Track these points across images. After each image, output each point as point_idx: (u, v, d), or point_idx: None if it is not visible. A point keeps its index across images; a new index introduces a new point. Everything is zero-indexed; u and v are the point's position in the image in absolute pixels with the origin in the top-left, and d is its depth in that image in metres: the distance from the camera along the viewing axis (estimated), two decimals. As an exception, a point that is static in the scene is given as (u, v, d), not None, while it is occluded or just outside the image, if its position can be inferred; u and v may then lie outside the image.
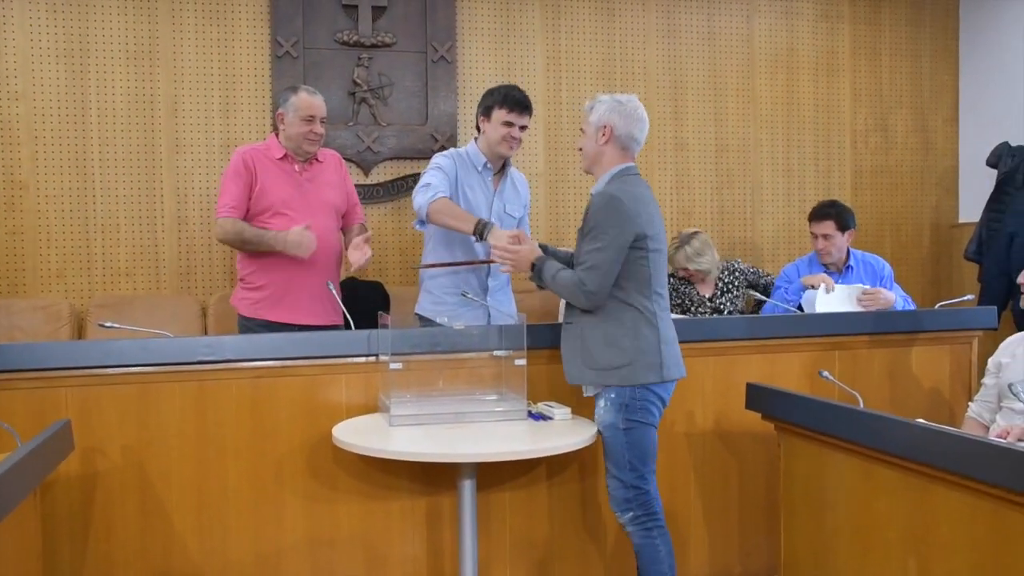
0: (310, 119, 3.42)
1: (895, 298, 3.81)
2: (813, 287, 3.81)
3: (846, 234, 4.03)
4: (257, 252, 3.41)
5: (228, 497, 2.90)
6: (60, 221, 4.33)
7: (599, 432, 2.77)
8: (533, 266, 2.86)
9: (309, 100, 3.43)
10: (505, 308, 3.47)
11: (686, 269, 4.10)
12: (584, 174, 4.75)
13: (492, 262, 3.30)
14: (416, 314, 3.53)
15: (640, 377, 2.71)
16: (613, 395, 2.73)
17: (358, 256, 3.42)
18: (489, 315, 3.44)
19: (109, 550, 2.81)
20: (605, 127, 2.79)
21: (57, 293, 4.31)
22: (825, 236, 4.01)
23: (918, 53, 5.54)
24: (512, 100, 3.36)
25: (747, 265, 4.31)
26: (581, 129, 2.91)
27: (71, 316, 4.18)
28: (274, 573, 2.94)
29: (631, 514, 2.76)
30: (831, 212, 4.03)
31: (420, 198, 3.31)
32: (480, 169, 3.45)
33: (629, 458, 2.74)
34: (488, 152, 3.43)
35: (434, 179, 3.34)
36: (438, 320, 3.38)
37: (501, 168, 3.52)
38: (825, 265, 4.07)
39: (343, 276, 3.81)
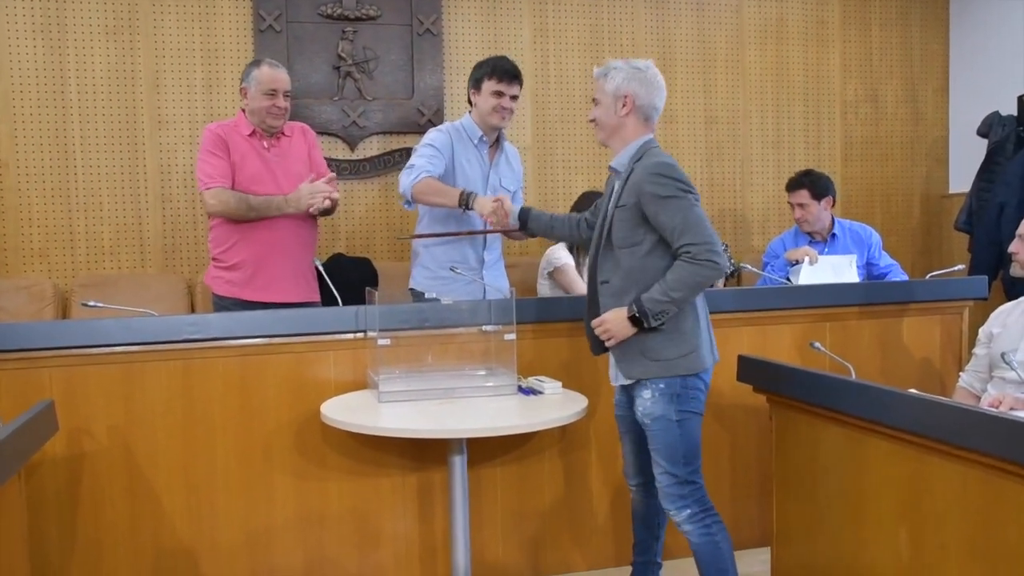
0: (272, 93, 3.35)
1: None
2: (797, 261, 3.80)
3: (822, 202, 4.03)
4: (232, 228, 3.35)
5: (216, 476, 2.88)
6: (41, 199, 4.27)
7: (645, 424, 2.58)
8: (633, 316, 2.50)
9: (271, 73, 3.37)
10: (499, 283, 3.44)
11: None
12: (571, 147, 4.73)
13: (486, 232, 3.35)
14: (410, 289, 3.50)
15: (700, 364, 2.54)
16: (663, 385, 2.52)
17: (319, 201, 3.31)
18: (484, 289, 3.42)
19: (97, 531, 2.80)
20: (626, 97, 2.59)
21: (40, 272, 4.26)
22: (801, 205, 4.04)
23: (908, 23, 5.50)
24: (501, 70, 3.35)
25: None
26: (594, 99, 2.69)
27: (55, 296, 4.13)
28: (264, 552, 2.93)
29: (688, 511, 2.55)
30: (804, 181, 4.05)
31: (404, 180, 3.31)
32: (476, 142, 3.44)
33: (683, 451, 2.54)
34: (482, 124, 3.42)
35: (419, 160, 3.33)
36: (430, 294, 3.35)
37: (496, 141, 3.51)
38: (809, 235, 4.06)
39: (332, 252, 3.80)
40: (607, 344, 2.60)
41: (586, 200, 3.99)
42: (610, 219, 2.59)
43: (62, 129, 4.28)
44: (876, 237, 4.10)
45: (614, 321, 2.54)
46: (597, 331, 2.60)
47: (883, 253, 4.10)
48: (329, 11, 4.50)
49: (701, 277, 2.45)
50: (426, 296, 3.36)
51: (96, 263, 4.35)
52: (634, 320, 2.49)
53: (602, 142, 2.73)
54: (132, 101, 4.36)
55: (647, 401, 2.55)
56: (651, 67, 2.64)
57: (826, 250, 3.95)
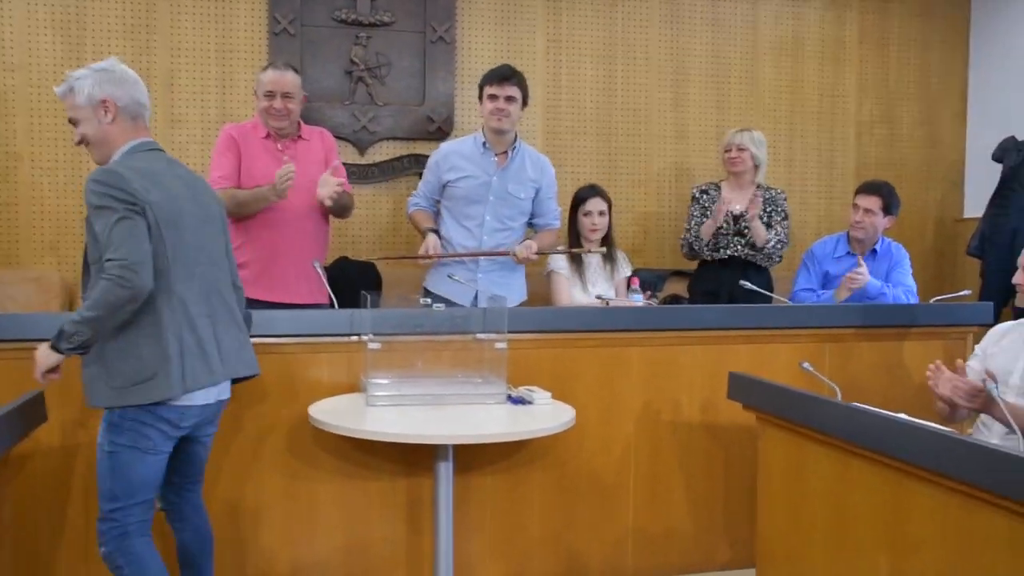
0: (270, 95, 3.44)
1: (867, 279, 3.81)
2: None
3: (887, 218, 4.02)
4: (241, 227, 3.41)
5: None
6: (54, 193, 4.33)
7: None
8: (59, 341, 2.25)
9: (271, 76, 3.46)
10: (496, 290, 3.48)
11: (731, 151, 4.16)
12: (582, 157, 4.79)
13: (474, 255, 3.64)
14: (424, 287, 3.72)
15: (156, 393, 2.28)
16: (108, 413, 2.33)
17: (325, 193, 3.40)
18: (477, 294, 3.56)
19: (87, 523, 2.81)
20: (104, 102, 2.36)
21: (50, 265, 4.31)
22: (867, 210, 3.99)
23: (927, 45, 5.46)
24: (492, 73, 3.58)
25: (787, 206, 4.25)
26: (70, 120, 2.44)
27: (62, 288, 4.18)
28: (252, 552, 2.94)
29: (104, 549, 2.35)
30: (883, 190, 4.02)
31: (410, 202, 3.84)
32: (482, 150, 3.63)
33: (110, 486, 2.33)
34: (487, 131, 3.63)
35: (419, 190, 3.81)
36: (439, 293, 3.56)
37: (510, 149, 3.67)
38: (852, 242, 4.05)
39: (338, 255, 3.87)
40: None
41: (577, 192, 4.03)
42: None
43: (77, 125, 4.33)
44: (902, 253, 4.09)
45: (40, 349, 2.31)
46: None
47: (907, 272, 4.05)
48: (343, 16, 4.54)
49: (112, 296, 2.19)
50: (435, 294, 3.53)
51: (105, 258, 4.39)
52: (55, 346, 2.26)
53: (99, 162, 2.46)
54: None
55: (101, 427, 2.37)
56: (116, 64, 2.44)
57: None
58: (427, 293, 3.58)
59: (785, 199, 4.23)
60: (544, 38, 4.89)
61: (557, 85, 4.91)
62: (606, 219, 3.95)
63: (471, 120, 4.68)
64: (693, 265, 4.39)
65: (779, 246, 4.13)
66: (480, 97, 3.64)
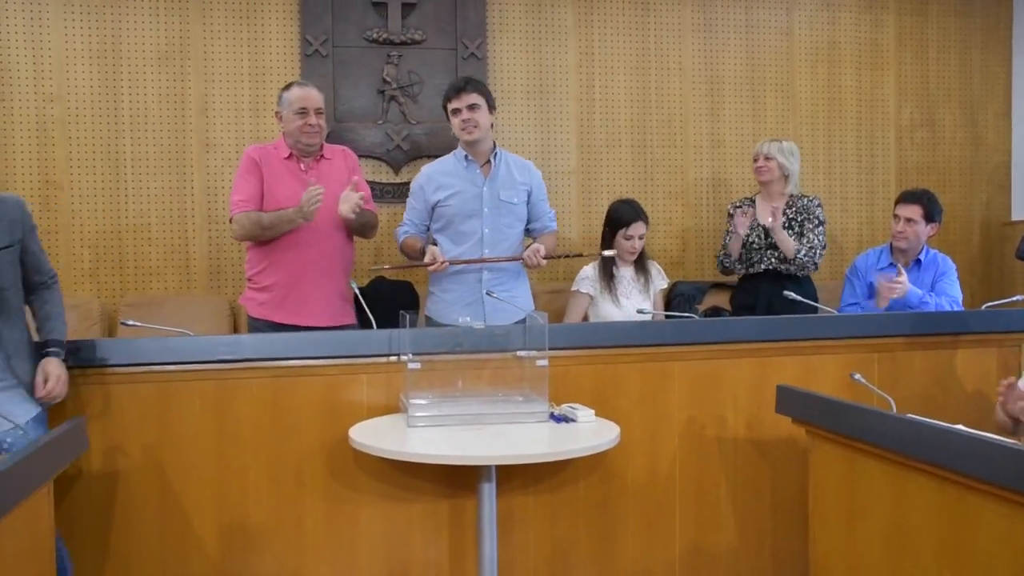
0: (302, 111, 3.41)
1: (907, 288, 3.71)
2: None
3: (929, 226, 3.94)
4: (265, 250, 3.40)
5: (248, 498, 2.88)
6: (93, 220, 4.37)
7: None
8: None
9: (300, 93, 3.44)
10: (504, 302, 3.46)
11: (758, 160, 4.12)
12: (616, 171, 4.75)
13: (482, 261, 3.51)
14: (426, 316, 3.64)
15: None
16: None
17: (346, 208, 3.36)
18: (484, 309, 3.50)
19: (128, 549, 2.81)
20: None
21: (89, 292, 4.35)
22: (909, 220, 3.92)
23: (968, 45, 5.35)
24: (448, 88, 3.59)
25: (822, 212, 4.17)
26: None
27: (101, 315, 4.21)
28: (293, 575, 2.91)
29: None
30: (924, 198, 3.95)
31: (399, 232, 3.69)
32: (465, 164, 3.56)
33: None
34: (463, 145, 3.58)
35: (406, 218, 3.67)
36: (443, 322, 3.47)
37: (492, 158, 3.61)
38: (895, 252, 3.97)
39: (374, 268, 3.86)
40: None
41: (618, 211, 3.95)
42: None
43: (114, 152, 4.39)
44: (949, 264, 4.00)
45: (57, 364, 2.63)
46: None
47: (954, 283, 3.95)
48: (375, 36, 4.55)
49: None
50: (441, 323, 3.48)
51: (144, 284, 4.43)
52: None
53: None
54: (182, 125, 4.45)
55: None
56: None
57: (908, 275, 3.86)
58: (429, 322, 3.56)
59: (819, 205, 4.15)
60: (576, 51, 4.85)
61: (591, 98, 4.88)
62: (644, 240, 3.92)
63: (505, 136, 4.67)
64: (734, 277, 4.33)
65: (812, 253, 4.06)
66: (447, 117, 3.58)
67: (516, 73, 4.73)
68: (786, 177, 4.14)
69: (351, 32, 4.55)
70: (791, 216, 4.10)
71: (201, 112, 4.46)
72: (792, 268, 4.08)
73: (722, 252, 4.24)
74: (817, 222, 4.11)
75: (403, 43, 4.58)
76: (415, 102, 4.63)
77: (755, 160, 4.18)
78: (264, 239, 3.40)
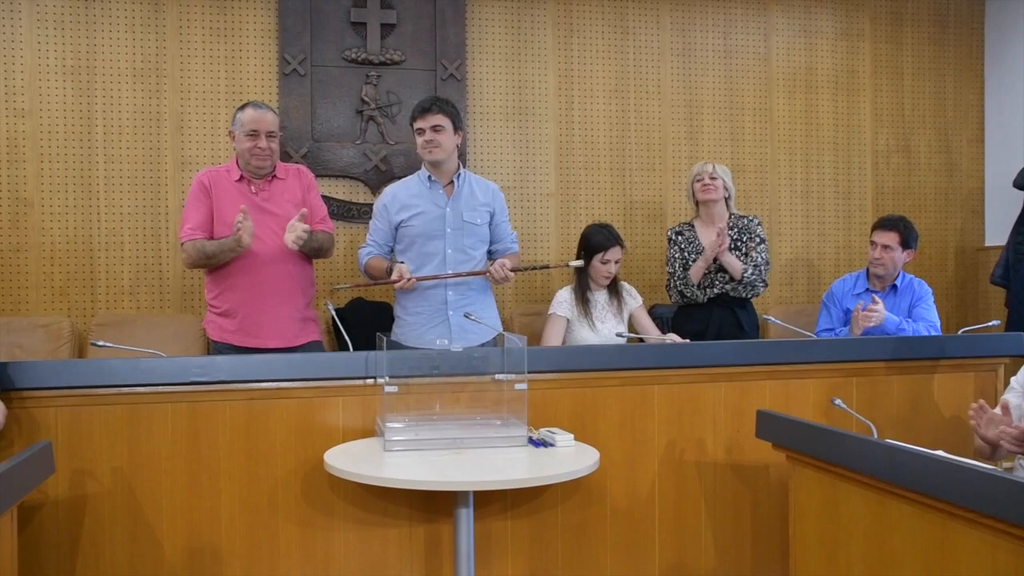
0: (253, 134, 3.36)
1: (883, 316, 3.73)
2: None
3: (906, 252, 3.99)
4: (219, 275, 3.39)
5: (220, 523, 2.81)
6: (64, 239, 4.30)
7: None
8: None
9: (254, 114, 3.38)
10: (471, 322, 3.46)
11: (703, 179, 4.06)
12: (595, 193, 4.72)
13: (450, 277, 3.49)
14: (393, 339, 3.55)
15: None
16: None
17: (290, 239, 3.31)
18: (451, 330, 3.49)
19: (96, 574, 2.73)
20: None
21: (60, 311, 4.27)
22: (886, 246, 3.97)
23: (942, 72, 5.42)
24: (415, 107, 3.58)
25: (762, 230, 4.16)
26: None
27: (72, 335, 4.13)
28: (265, 602, 2.85)
29: None
30: (900, 225, 3.99)
31: (361, 252, 3.66)
32: (428, 184, 3.55)
33: None
34: (426, 165, 3.59)
35: (370, 238, 3.64)
36: (410, 344, 3.43)
37: (456, 179, 3.61)
38: (872, 278, 3.99)
39: (352, 294, 3.78)
40: None
41: (595, 236, 3.94)
42: None
43: (87, 170, 4.33)
44: (926, 289, 4.04)
45: None
46: None
47: (931, 307, 3.98)
48: (354, 55, 4.53)
49: None
50: (403, 345, 3.42)
51: (115, 303, 4.35)
52: None
53: None
54: (156, 142, 4.40)
55: None
56: None
57: (884, 300, 3.88)
58: (397, 346, 3.45)
59: (760, 224, 4.15)
60: (555, 74, 4.86)
61: (570, 120, 4.88)
62: (620, 264, 3.94)
63: (484, 157, 4.65)
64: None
65: (759, 271, 4.05)
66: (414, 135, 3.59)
67: (495, 95, 4.72)
68: (727, 198, 4.14)
69: (330, 51, 4.53)
70: (735, 237, 4.09)
71: (176, 130, 4.41)
72: (741, 290, 4.06)
73: (678, 281, 4.12)
74: (759, 240, 4.10)
75: (382, 63, 4.57)
76: (393, 122, 4.61)
77: (698, 180, 4.10)
78: (213, 266, 3.36)
